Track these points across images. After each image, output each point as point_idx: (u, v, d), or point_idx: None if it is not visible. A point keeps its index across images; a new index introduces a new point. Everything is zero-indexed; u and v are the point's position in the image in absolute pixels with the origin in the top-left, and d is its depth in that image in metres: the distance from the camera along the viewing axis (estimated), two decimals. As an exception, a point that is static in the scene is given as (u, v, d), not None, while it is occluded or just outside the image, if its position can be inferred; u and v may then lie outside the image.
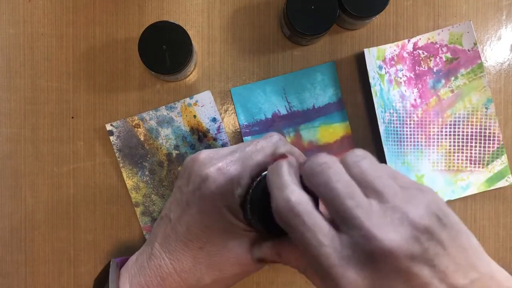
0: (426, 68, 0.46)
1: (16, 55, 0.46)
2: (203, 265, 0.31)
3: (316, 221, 0.24)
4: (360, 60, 0.46)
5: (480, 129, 0.46)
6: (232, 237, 0.32)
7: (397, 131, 0.45)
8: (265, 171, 0.29)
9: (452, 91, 0.46)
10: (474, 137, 0.46)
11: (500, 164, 0.46)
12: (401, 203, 0.23)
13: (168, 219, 0.33)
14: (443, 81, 0.46)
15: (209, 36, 0.46)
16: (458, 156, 0.46)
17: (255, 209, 0.29)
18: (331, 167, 0.24)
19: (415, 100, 0.46)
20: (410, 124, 0.46)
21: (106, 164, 0.47)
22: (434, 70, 0.46)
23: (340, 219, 0.24)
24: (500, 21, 0.47)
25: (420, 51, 0.46)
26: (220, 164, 0.30)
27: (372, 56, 0.44)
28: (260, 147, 0.31)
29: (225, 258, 0.32)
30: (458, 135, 0.46)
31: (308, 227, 0.23)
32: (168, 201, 0.34)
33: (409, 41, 0.45)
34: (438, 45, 0.46)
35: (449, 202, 0.47)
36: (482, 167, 0.46)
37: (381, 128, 0.44)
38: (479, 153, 0.46)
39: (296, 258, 0.30)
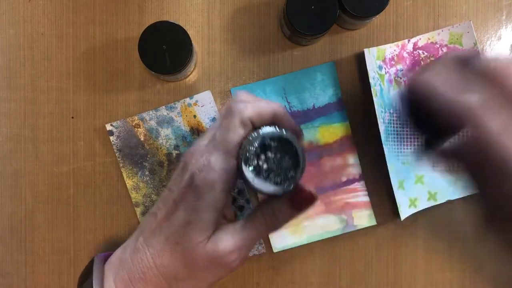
0: (426, 68, 0.46)
1: (16, 55, 0.46)
2: (179, 260, 0.32)
3: None
4: (360, 60, 0.46)
5: (480, 129, 0.46)
6: (219, 231, 0.33)
7: (397, 131, 0.45)
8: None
9: (452, 91, 0.46)
10: (474, 137, 0.46)
11: (500, 164, 0.46)
12: None
13: (154, 217, 0.33)
14: (443, 81, 0.46)
15: (209, 36, 0.46)
16: (458, 156, 0.46)
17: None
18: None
19: (415, 100, 0.46)
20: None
21: (106, 164, 0.47)
22: (434, 70, 0.46)
23: None
24: (500, 21, 0.47)
25: (420, 51, 0.46)
26: (201, 163, 0.31)
27: (372, 56, 0.44)
28: (226, 127, 0.31)
29: (198, 255, 0.32)
30: (458, 135, 0.46)
31: None
32: (156, 204, 0.35)
33: (409, 41, 0.45)
34: (438, 45, 0.46)
35: (449, 202, 0.47)
36: (482, 167, 0.46)
37: (381, 128, 0.44)
38: (479, 153, 0.46)
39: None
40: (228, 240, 0.32)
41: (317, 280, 0.47)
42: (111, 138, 0.46)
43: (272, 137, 0.30)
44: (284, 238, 0.47)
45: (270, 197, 0.33)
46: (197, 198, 0.31)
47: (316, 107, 0.46)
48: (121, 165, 0.46)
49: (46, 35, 0.46)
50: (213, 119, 0.46)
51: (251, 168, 0.31)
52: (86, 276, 0.34)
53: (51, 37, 0.46)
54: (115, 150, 0.46)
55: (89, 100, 0.47)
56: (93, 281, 0.33)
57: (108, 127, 0.46)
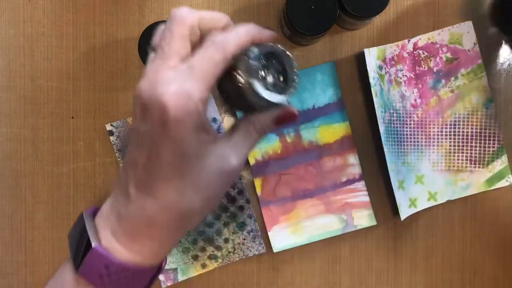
0: (426, 68, 0.46)
1: (16, 55, 0.46)
2: (189, 190, 0.30)
3: None
4: (360, 60, 0.46)
5: (480, 129, 0.46)
6: (207, 152, 0.31)
7: (397, 131, 0.45)
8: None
9: (452, 91, 0.46)
10: (474, 137, 0.46)
11: (500, 164, 0.46)
12: None
13: (134, 164, 0.30)
14: (443, 81, 0.46)
15: (209, 36, 0.46)
16: (458, 156, 0.46)
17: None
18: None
19: (415, 100, 0.46)
20: (410, 124, 0.46)
21: (106, 164, 0.47)
22: (434, 70, 0.46)
23: None
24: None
25: (420, 51, 0.46)
26: (173, 89, 0.28)
27: (372, 56, 0.44)
28: (210, 56, 0.29)
29: (208, 175, 0.31)
30: (458, 135, 0.46)
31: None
32: (128, 151, 0.31)
33: (409, 41, 0.45)
34: (438, 45, 0.46)
35: (449, 202, 0.47)
36: (482, 167, 0.46)
37: (381, 128, 0.44)
38: (479, 153, 0.46)
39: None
40: (233, 156, 0.32)
41: (317, 280, 0.47)
42: (111, 138, 0.46)
43: (273, 52, 0.32)
44: (284, 238, 0.47)
45: (259, 110, 0.33)
46: (177, 130, 0.28)
47: (316, 107, 0.46)
48: (121, 165, 0.46)
49: (46, 35, 0.46)
50: (213, 119, 0.46)
51: (258, 82, 0.31)
52: (76, 234, 0.32)
53: (51, 37, 0.46)
54: (115, 150, 0.46)
55: (89, 100, 0.47)
56: (90, 236, 0.30)
57: (108, 127, 0.46)
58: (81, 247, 0.31)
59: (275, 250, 0.47)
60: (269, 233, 0.47)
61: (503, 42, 0.46)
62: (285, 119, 0.34)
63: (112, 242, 0.31)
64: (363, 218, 0.47)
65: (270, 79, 0.32)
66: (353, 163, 0.47)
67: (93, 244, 0.30)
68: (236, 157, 0.32)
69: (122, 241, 0.31)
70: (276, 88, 0.32)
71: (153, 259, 0.32)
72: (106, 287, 0.30)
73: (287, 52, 0.32)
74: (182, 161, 0.29)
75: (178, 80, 0.28)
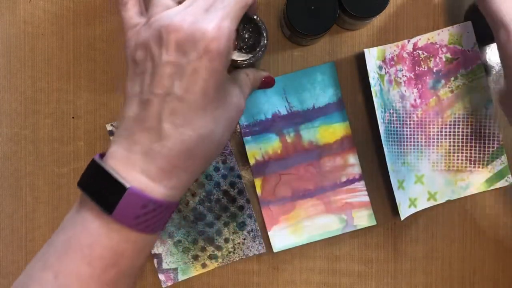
0: (426, 69, 0.46)
1: (17, 55, 0.47)
2: (222, 122, 0.33)
3: None
4: (360, 60, 0.46)
5: (480, 129, 0.46)
6: (230, 87, 0.35)
7: (397, 131, 0.46)
8: None
9: (452, 91, 0.46)
10: (474, 137, 0.46)
11: (500, 164, 0.46)
12: None
13: (165, 98, 0.30)
14: (443, 81, 0.46)
15: (209, 37, 0.47)
16: (458, 156, 0.46)
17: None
18: None
19: (415, 100, 0.46)
20: (410, 124, 0.46)
21: (107, 164, 0.47)
22: (434, 71, 0.46)
23: None
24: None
25: (420, 52, 0.46)
26: (216, 24, 0.30)
27: (372, 56, 0.44)
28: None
29: (232, 108, 0.34)
30: (458, 135, 0.46)
31: None
32: (154, 86, 0.31)
33: (409, 41, 0.45)
34: (438, 46, 0.46)
35: (449, 202, 0.47)
36: (482, 167, 0.46)
37: (381, 128, 0.44)
38: (479, 153, 0.46)
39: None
40: (242, 98, 0.36)
41: (317, 280, 0.47)
42: (112, 138, 0.46)
43: (250, 19, 0.39)
44: (284, 238, 0.47)
45: (239, 66, 0.40)
46: (220, 61, 0.31)
47: (316, 107, 0.46)
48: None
49: (46, 36, 0.47)
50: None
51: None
52: (95, 181, 0.31)
53: (51, 37, 0.47)
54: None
55: (90, 100, 0.47)
56: (118, 179, 0.30)
57: (109, 127, 0.46)
58: (108, 192, 0.30)
59: (275, 250, 0.47)
60: (269, 233, 0.47)
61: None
62: (267, 81, 0.43)
63: (144, 182, 0.30)
64: (363, 218, 0.47)
65: (242, 42, 0.39)
66: (353, 163, 0.47)
67: (128, 186, 0.30)
68: (244, 100, 0.36)
69: (157, 178, 0.31)
70: (246, 49, 0.39)
71: (183, 192, 0.33)
72: (139, 226, 0.30)
73: (261, 23, 0.39)
74: (218, 92, 0.32)
75: (218, 17, 0.31)
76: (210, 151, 0.33)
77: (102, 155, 0.32)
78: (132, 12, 0.34)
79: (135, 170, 0.31)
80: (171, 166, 0.31)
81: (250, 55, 0.39)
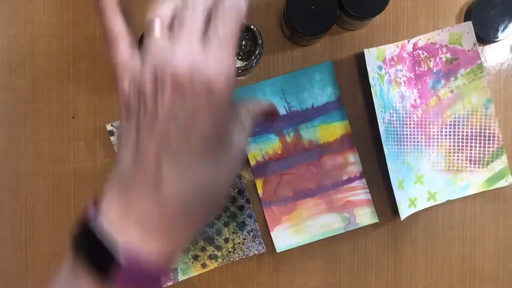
0: (426, 69, 0.46)
1: (17, 55, 0.47)
2: (223, 170, 0.30)
3: None
4: (360, 60, 0.46)
5: (480, 129, 0.46)
6: (233, 130, 0.32)
7: (397, 131, 0.46)
8: None
9: (452, 91, 0.46)
10: (474, 137, 0.46)
11: (500, 164, 0.46)
12: None
13: (163, 144, 0.28)
14: (443, 81, 0.46)
15: (209, 37, 0.47)
16: (458, 156, 0.46)
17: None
18: None
19: (415, 100, 0.46)
20: (410, 124, 0.46)
21: (107, 164, 0.47)
22: (434, 71, 0.46)
23: None
24: (499, 21, 0.47)
25: (420, 52, 0.46)
26: (214, 63, 0.28)
27: (372, 57, 0.44)
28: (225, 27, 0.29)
29: (234, 154, 0.31)
30: (458, 135, 0.46)
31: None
32: (151, 126, 0.29)
33: (409, 41, 0.46)
34: (438, 46, 0.46)
35: (449, 202, 0.47)
36: (482, 167, 0.46)
37: (381, 128, 0.44)
38: (479, 153, 0.46)
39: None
40: (243, 140, 0.32)
41: (317, 280, 0.47)
42: (112, 138, 0.46)
43: (248, 27, 0.41)
44: (287, 238, 0.47)
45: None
46: (221, 103, 0.28)
47: (315, 106, 0.46)
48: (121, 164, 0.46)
49: (46, 36, 0.47)
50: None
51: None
52: (91, 244, 0.29)
53: (51, 37, 0.47)
54: (115, 151, 0.46)
55: (90, 100, 0.47)
56: (115, 248, 0.28)
57: (109, 127, 0.46)
58: (106, 259, 0.28)
59: (278, 250, 0.47)
60: (272, 234, 0.47)
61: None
62: (271, 114, 0.36)
63: (142, 241, 0.29)
64: (365, 216, 0.47)
65: (238, 49, 0.40)
66: (353, 161, 0.47)
67: (125, 255, 0.28)
68: (246, 138, 0.33)
69: (154, 235, 0.29)
70: (242, 56, 0.41)
71: (183, 244, 0.31)
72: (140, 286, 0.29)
73: (257, 32, 0.41)
74: (219, 137, 0.29)
75: (216, 53, 0.28)
76: (213, 204, 0.31)
77: (95, 202, 0.31)
78: (124, 54, 0.32)
79: (132, 229, 0.29)
80: (170, 221, 0.29)
81: (245, 62, 0.40)
